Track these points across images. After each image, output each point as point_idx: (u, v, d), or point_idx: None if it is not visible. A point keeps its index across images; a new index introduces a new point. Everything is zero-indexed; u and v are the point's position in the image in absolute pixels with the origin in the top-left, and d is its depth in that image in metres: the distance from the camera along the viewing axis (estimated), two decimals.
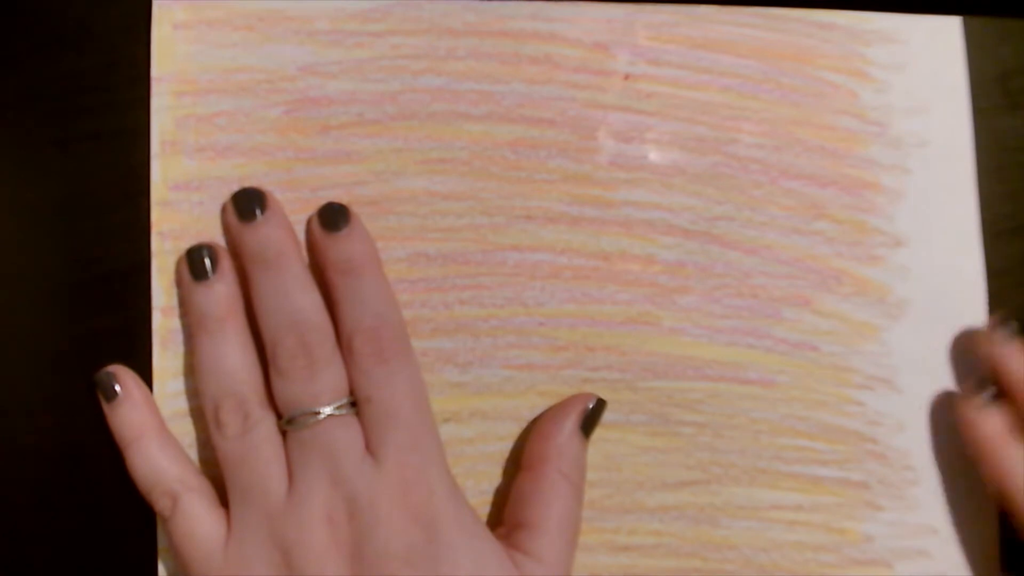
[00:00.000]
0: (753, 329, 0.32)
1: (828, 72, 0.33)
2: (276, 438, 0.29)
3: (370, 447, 0.28)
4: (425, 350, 0.31)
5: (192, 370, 0.30)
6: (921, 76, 0.33)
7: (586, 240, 0.32)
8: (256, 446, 0.28)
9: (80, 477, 0.31)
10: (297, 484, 0.28)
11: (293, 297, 0.29)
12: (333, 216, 0.30)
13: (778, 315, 0.33)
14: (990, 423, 0.30)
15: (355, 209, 0.31)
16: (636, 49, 0.33)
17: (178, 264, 0.31)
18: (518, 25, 0.33)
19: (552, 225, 0.32)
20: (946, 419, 0.32)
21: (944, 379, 0.33)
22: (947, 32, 0.34)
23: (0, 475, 0.31)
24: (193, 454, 0.31)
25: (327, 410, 0.28)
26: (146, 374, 0.31)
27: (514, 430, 0.32)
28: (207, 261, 0.30)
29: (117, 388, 0.30)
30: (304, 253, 0.31)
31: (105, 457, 0.30)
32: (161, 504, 0.29)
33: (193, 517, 0.29)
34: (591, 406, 0.31)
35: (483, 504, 0.31)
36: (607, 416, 0.32)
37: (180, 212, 0.31)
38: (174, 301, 0.31)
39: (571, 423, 0.30)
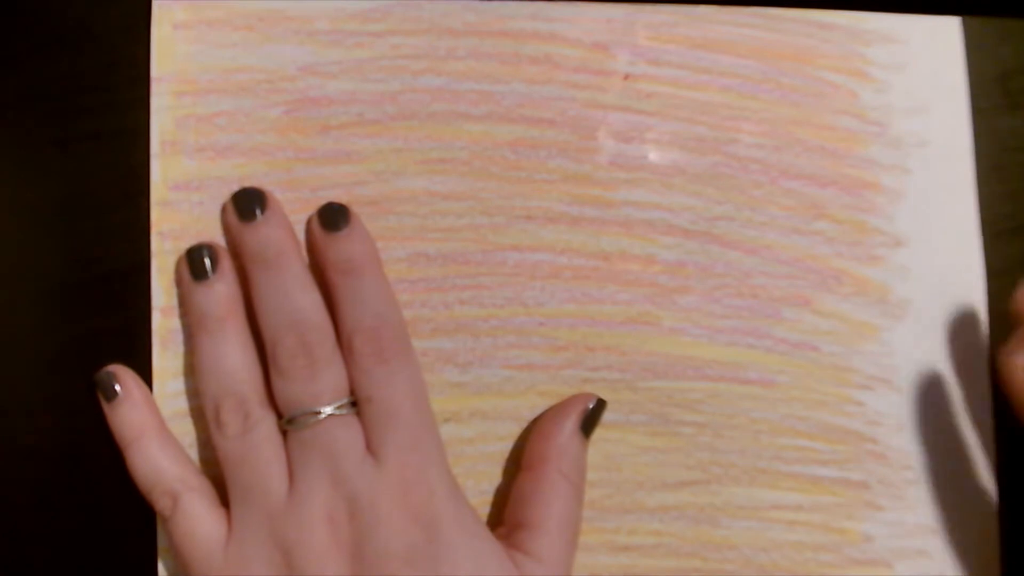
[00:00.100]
0: (753, 329, 0.32)
1: (828, 72, 0.33)
2: (277, 438, 0.29)
3: (371, 447, 0.28)
4: (425, 350, 0.31)
5: (192, 370, 0.30)
6: (921, 76, 0.33)
7: (586, 240, 0.32)
8: (257, 446, 0.28)
9: (80, 477, 0.31)
10: (298, 484, 0.28)
11: (293, 297, 0.29)
12: (333, 216, 0.30)
13: (778, 315, 0.33)
14: None
15: (355, 209, 0.31)
16: (636, 49, 0.33)
17: (178, 264, 0.31)
18: (518, 25, 0.33)
19: (552, 225, 0.32)
20: (946, 419, 0.32)
21: (944, 379, 0.33)
22: (947, 32, 0.34)
23: (0, 475, 0.31)
24: (193, 454, 0.31)
25: (328, 410, 0.28)
26: (146, 374, 0.31)
27: (514, 430, 0.32)
28: (207, 261, 0.30)
29: (117, 388, 0.30)
30: (304, 253, 0.31)
31: (105, 457, 0.30)
32: (161, 504, 0.29)
33: (193, 517, 0.29)
34: (591, 406, 0.31)
35: (483, 504, 0.31)
36: (607, 416, 0.32)
37: (180, 212, 0.31)
38: (174, 301, 0.31)
39: (571, 423, 0.30)
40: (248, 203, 0.30)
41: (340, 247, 0.30)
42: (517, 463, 0.31)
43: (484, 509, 0.31)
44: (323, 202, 0.31)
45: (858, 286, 0.33)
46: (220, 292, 0.30)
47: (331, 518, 0.28)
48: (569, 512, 0.30)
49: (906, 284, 0.33)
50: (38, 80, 0.32)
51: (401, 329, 0.30)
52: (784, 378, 0.32)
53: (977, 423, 0.33)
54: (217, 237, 0.31)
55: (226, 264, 0.30)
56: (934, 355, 0.33)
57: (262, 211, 0.30)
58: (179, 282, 0.31)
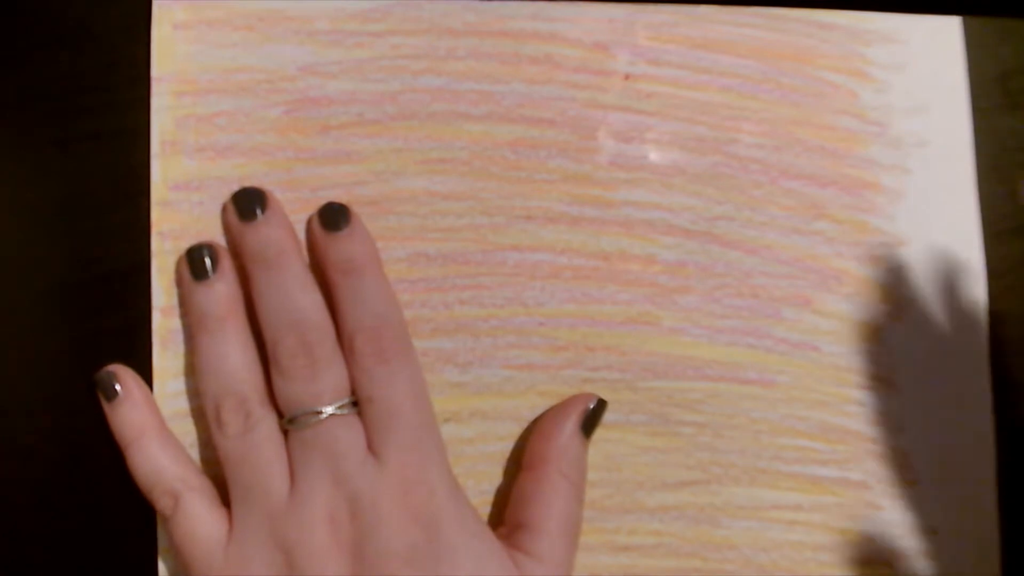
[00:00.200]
0: (753, 329, 0.32)
1: (828, 72, 0.33)
2: (278, 437, 0.29)
3: (372, 447, 0.28)
4: (425, 350, 0.31)
5: (192, 370, 0.30)
6: (921, 76, 0.33)
7: (586, 240, 0.32)
8: (257, 445, 0.28)
9: (80, 477, 0.31)
10: (299, 484, 0.28)
11: (294, 296, 0.29)
12: (333, 216, 0.30)
13: (778, 315, 0.33)
14: None
15: (355, 209, 0.31)
16: (636, 49, 0.33)
17: (178, 264, 0.31)
18: (518, 25, 0.33)
19: (552, 225, 0.32)
20: (946, 419, 0.32)
21: (944, 379, 0.33)
22: (947, 32, 0.34)
23: (0, 475, 0.31)
24: (194, 454, 0.31)
25: (329, 410, 0.28)
26: (146, 374, 0.31)
27: (514, 430, 0.32)
28: (207, 261, 0.30)
29: (117, 388, 0.30)
30: (305, 253, 0.31)
31: (105, 457, 0.30)
32: (162, 504, 0.29)
33: (194, 517, 0.29)
34: (592, 406, 0.31)
35: (484, 504, 0.31)
36: (607, 416, 0.32)
37: (180, 212, 0.31)
38: (174, 301, 0.31)
39: (572, 423, 0.30)
40: (248, 203, 0.30)
41: (340, 247, 0.30)
42: (517, 463, 0.31)
43: (484, 509, 0.31)
44: (323, 202, 0.31)
45: (858, 286, 0.33)
46: (220, 292, 0.30)
47: (332, 518, 0.28)
48: (570, 512, 0.30)
49: (906, 284, 0.33)
50: (38, 80, 0.32)
51: (402, 329, 0.30)
52: (784, 378, 0.32)
53: (977, 423, 0.33)
54: (217, 237, 0.31)
55: (226, 264, 0.30)
56: (934, 355, 0.33)
57: (262, 211, 0.30)
58: (179, 282, 0.31)
